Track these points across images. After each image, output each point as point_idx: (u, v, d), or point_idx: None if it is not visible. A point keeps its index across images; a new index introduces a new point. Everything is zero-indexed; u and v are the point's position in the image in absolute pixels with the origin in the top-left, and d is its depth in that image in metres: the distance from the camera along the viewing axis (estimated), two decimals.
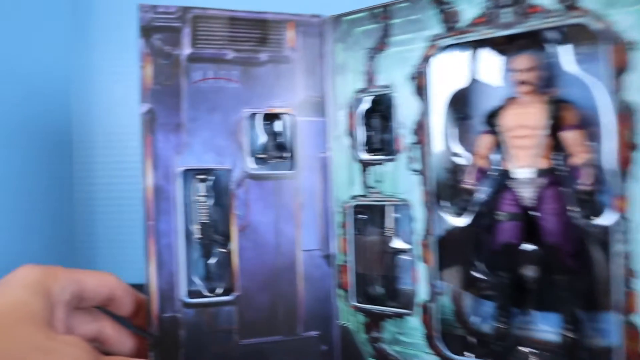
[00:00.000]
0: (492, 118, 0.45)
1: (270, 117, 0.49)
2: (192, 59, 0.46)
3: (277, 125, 0.49)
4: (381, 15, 0.46)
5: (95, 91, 0.78)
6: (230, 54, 0.46)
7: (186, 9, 0.45)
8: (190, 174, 0.47)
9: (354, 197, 0.48)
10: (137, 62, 0.77)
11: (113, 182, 0.78)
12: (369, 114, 0.49)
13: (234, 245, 0.47)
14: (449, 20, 0.43)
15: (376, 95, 0.48)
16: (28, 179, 0.71)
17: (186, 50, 0.45)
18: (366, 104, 0.49)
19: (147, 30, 0.45)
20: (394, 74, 0.46)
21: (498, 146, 0.45)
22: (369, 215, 0.50)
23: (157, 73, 0.45)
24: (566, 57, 0.42)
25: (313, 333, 0.48)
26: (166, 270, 0.45)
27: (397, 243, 0.49)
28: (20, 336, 0.32)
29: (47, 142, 0.75)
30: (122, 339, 0.44)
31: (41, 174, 0.74)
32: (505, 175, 0.45)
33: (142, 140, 0.45)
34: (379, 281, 0.49)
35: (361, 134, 0.48)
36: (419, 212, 0.45)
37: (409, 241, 0.46)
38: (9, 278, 0.36)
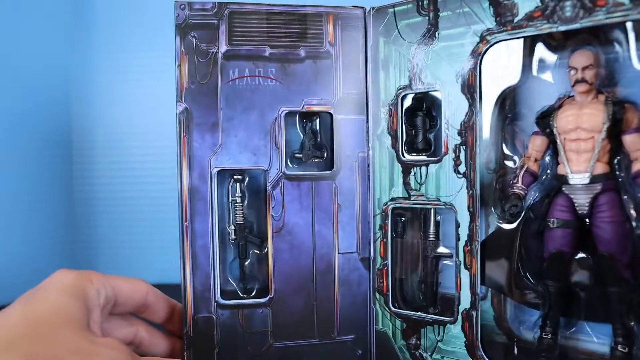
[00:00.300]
0: (545, 118, 0.42)
1: (309, 116, 0.47)
2: (229, 56, 0.44)
3: (315, 124, 0.47)
4: (428, 7, 0.44)
5: (95, 91, 0.78)
6: (268, 51, 0.45)
7: (222, 5, 0.44)
8: (225, 174, 0.46)
9: (394, 199, 0.46)
10: (136, 62, 0.76)
11: (113, 182, 0.79)
12: (412, 112, 0.46)
13: (269, 247, 0.46)
14: (502, 13, 0.40)
15: (420, 93, 0.45)
16: (28, 179, 0.72)
17: (222, 47, 0.44)
18: (410, 101, 0.46)
19: (182, 29, 0.43)
20: (440, 71, 0.43)
21: (551, 148, 0.43)
22: (411, 218, 0.48)
23: (193, 72, 0.44)
24: (632, 54, 0.39)
25: (349, 337, 0.47)
26: (201, 271, 0.44)
27: (439, 248, 0.47)
28: (61, 339, 0.32)
29: (47, 142, 0.75)
30: (156, 341, 0.44)
31: (41, 174, 0.74)
32: (558, 179, 0.42)
33: (177, 140, 0.44)
34: (419, 286, 0.47)
35: (404, 133, 0.46)
36: (463, 216, 0.43)
37: (451, 246, 0.44)
38: (46, 283, 0.37)
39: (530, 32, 0.39)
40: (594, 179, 0.40)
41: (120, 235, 0.79)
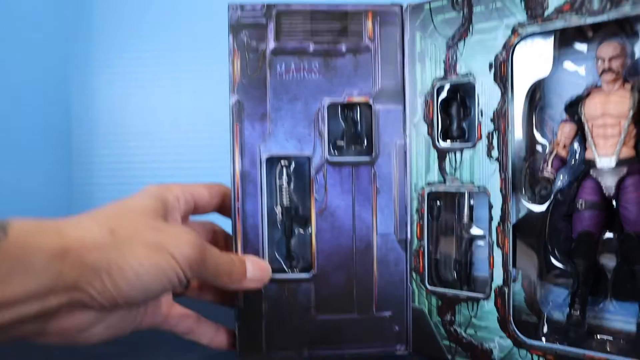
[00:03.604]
0: (574, 107, 0.44)
1: (349, 106, 0.51)
2: (276, 52, 0.48)
3: (356, 114, 0.51)
4: (462, 3, 0.47)
5: (95, 91, 0.79)
6: (312, 47, 0.49)
7: (270, 6, 0.48)
8: (273, 160, 0.50)
9: (430, 184, 0.49)
10: (136, 62, 0.79)
11: (113, 182, 0.80)
12: (447, 102, 0.49)
13: (312, 227, 0.49)
14: (533, 7, 0.43)
15: (455, 83, 0.48)
16: (27, 179, 0.73)
17: (271, 44, 0.48)
18: (445, 91, 0.49)
19: (235, 28, 0.48)
20: (475, 62, 0.46)
21: (579, 135, 0.45)
22: (446, 202, 0.51)
23: (245, 67, 0.48)
24: None
25: (386, 313, 0.50)
26: (251, 247, 0.49)
27: (473, 229, 0.49)
28: (140, 219, 0.40)
29: (47, 142, 0.76)
30: (202, 331, 0.48)
31: (41, 174, 0.76)
32: (586, 164, 0.44)
33: (230, 129, 0.48)
34: (454, 266, 0.50)
35: (439, 121, 0.49)
36: (496, 198, 0.45)
37: (484, 228, 0.47)
38: (133, 194, 0.43)
39: (559, 24, 0.42)
40: (620, 163, 0.42)
41: None
